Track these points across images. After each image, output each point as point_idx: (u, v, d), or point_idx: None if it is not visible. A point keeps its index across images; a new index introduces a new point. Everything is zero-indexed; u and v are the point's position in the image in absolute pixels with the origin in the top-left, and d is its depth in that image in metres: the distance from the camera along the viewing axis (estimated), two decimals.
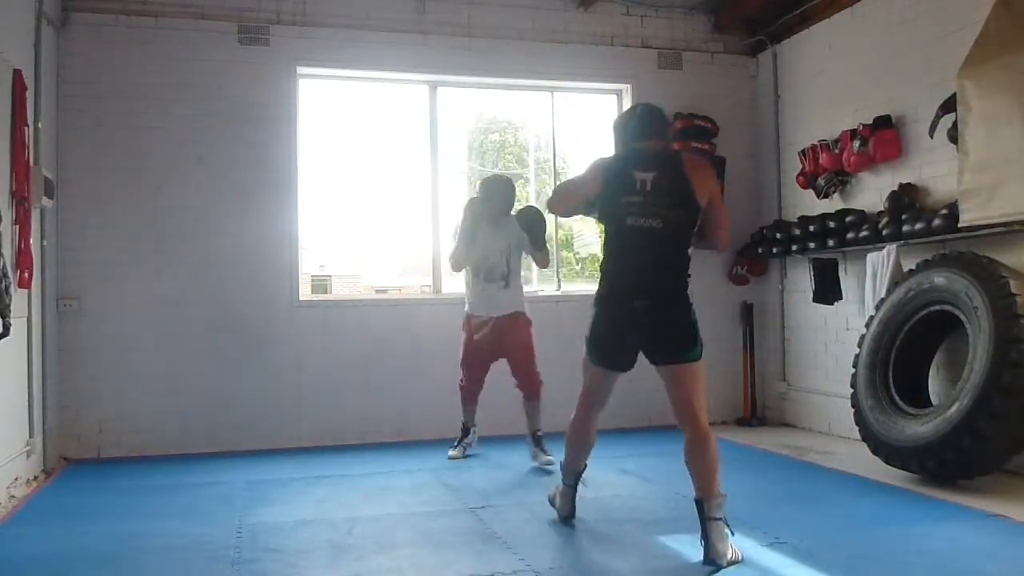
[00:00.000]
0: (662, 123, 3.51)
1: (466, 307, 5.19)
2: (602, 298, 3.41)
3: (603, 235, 3.48)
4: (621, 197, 3.30)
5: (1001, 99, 4.30)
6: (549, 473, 4.79)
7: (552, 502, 3.88)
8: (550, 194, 3.79)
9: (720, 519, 3.14)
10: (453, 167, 6.67)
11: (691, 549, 3.35)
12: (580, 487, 3.84)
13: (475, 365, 5.13)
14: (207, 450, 5.52)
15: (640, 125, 3.41)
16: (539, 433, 5.04)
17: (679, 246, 3.32)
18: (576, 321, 6.32)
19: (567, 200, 3.59)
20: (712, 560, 3.10)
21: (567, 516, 3.78)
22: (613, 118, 3.77)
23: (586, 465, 3.77)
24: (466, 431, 5.33)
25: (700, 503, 3.17)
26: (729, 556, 3.12)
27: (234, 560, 3.31)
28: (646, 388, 6.42)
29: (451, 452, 5.26)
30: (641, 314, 3.29)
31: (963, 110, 4.49)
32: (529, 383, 5.02)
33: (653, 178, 3.26)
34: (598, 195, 3.40)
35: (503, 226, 4.98)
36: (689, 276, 3.35)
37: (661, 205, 3.25)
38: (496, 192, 5.06)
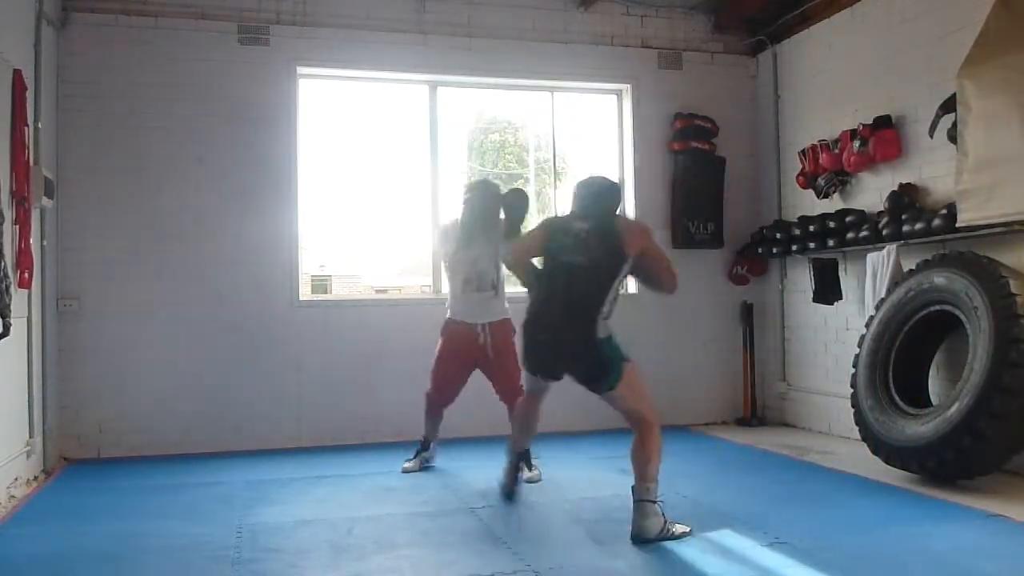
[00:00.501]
0: (613, 202, 3.89)
1: (449, 314, 4.92)
2: (524, 323, 3.84)
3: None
4: (560, 239, 3.75)
5: (1001, 99, 4.30)
6: (548, 475, 4.80)
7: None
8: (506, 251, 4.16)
9: (646, 500, 3.51)
10: (453, 167, 6.67)
11: (691, 549, 3.36)
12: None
13: (453, 377, 4.86)
14: (207, 450, 5.52)
15: (594, 203, 3.83)
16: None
17: (599, 286, 3.63)
18: None
19: (520, 252, 3.97)
20: (635, 535, 3.48)
21: (507, 492, 4.16)
22: (578, 179, 4.04)
23: (529, 449, 4.22)
24: (426, 445, 5.02)
25: (633, 487, 3.57)
26: (657, 533, 3.48)
27: (234, 560, 3.31)
28: None
29: (406, 464, 4.93)
30: (544, 347, 3.74)
31: (963, 110, 4.49)
32: (516, 392, 4.58)
33: (589, 227, 3.71)
34: (545, 244, 3.83)
35: (492, 232, 4.72)
36: (605, 321, 3.64)
37: (591, 247, 3.66)
38: (489, 198, 4.81)
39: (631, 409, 3.68)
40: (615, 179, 4.19)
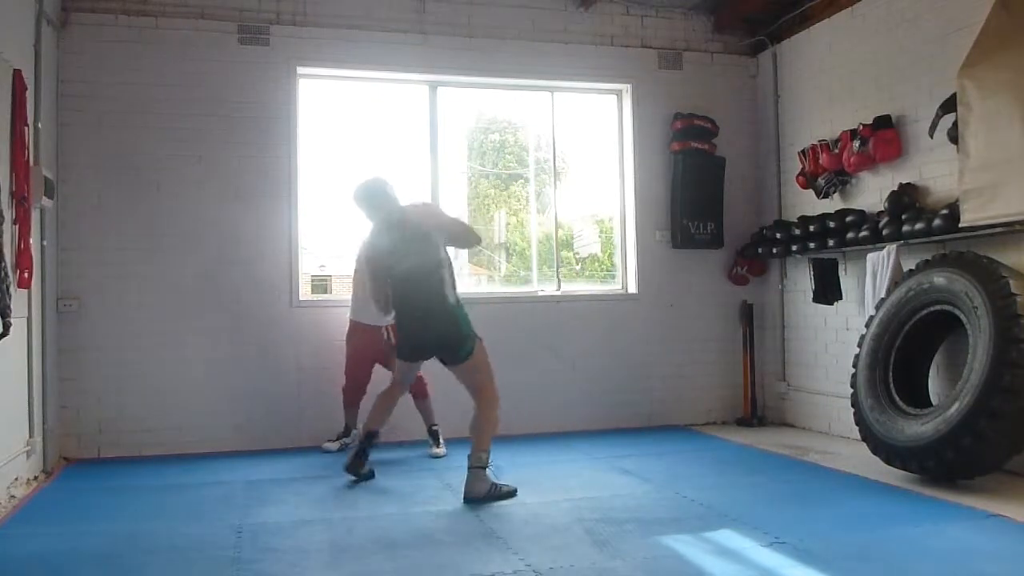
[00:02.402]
0: (388, 199, 4.43)
1: (349, 314, 5.52)
2: (395, 323, 4.53)
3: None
4: (387, 261, 4.38)
5: (1002, 99, 4.30)
6: (548, 475, 4.80)
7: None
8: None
9: (478, 467, 4.16)
10: (453, 167, 6.67)
11: (691, 549, 3.36)
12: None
13: (364, 373, 5.47)
14: (207, 450, 5.52)
15: (380, 209, 4.42)
16: (434, 427, 5.46)
17: (432, 271, 4.28)
18: (575, 321, 6.36)
19: (374, 290, 4.50)
20: (466, 497, 4.13)
21: (347, 468, 4.54)
22: (353, 190, 4.50)
23: (378, 433, 4.62)
24: (348, 431, 5.59)
25: (469, 455, 4.21)
26: (485, 493, 4.11)
27: (234, 560, 3.31)
28: (645, 389, 6.48)
29: (328, 444, 5.54)
30: (416, 332, 4.37)
31: (964, 110, 4.49)
32: (419, 384, 5.32)
33: (394, 236, 4.35)
34: (381, 265, 4.41)
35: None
36: (452, 289, 4.31)
37: (409, 250, 4.29)
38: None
39: (479, 383, 4.31)
40: (376, 175, 4.57)
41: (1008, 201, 4.25)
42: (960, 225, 4.52)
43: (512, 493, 4.21)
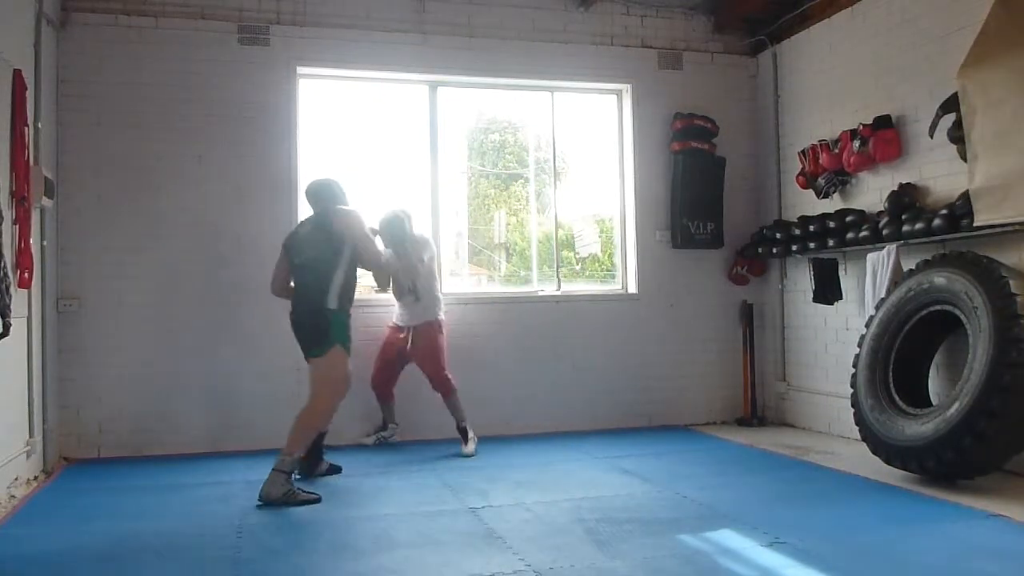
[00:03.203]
0: (329, 199, 4.64)
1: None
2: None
3: None
4: (291, 248, 4.62)
5: (1006, 99, 4.29)
6: (549, 475, 4.80)
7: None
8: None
9: (279, 470, 4.19)
10: (453, 167, 6.67)
11: (691, 549, 3.36)
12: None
13: (389, 369, 5.64)
14: (207, 450, 5.52)
15: (315, 204, 4.68)
16: (463, 425, 5.48)
17: (324, 271, 4.42)
18: (575, 321, 6.36)
19: (274, 270, 4.73)
20: (260, 498, 4.16)
21: (312, 470, 4.73)
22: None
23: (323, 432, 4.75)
24: (384, 425, 5.77)
25: (279, 451, 4.29)
26: (279, 497, 4.13)
27: (234, 560, 3.31)
28: (645, 389, 6.48)
29: (364, 439, 5.71)
30: (293, 324, 4.56)
31: (967, 111, 4.49)
32: (445, 382, 5.47)
33: (306, 230, 4.61)
34: (288, 250, 4.63)
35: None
36: (338, 296, 4.42)
37: (312, 245, 4.49)
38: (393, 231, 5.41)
39: (317, 387, 4.44)
40: (332, 178, 4.80)
41: (1018, 202, 4.24)
42: (975, 225, 4.48)
43: (313, 501, 4.19)
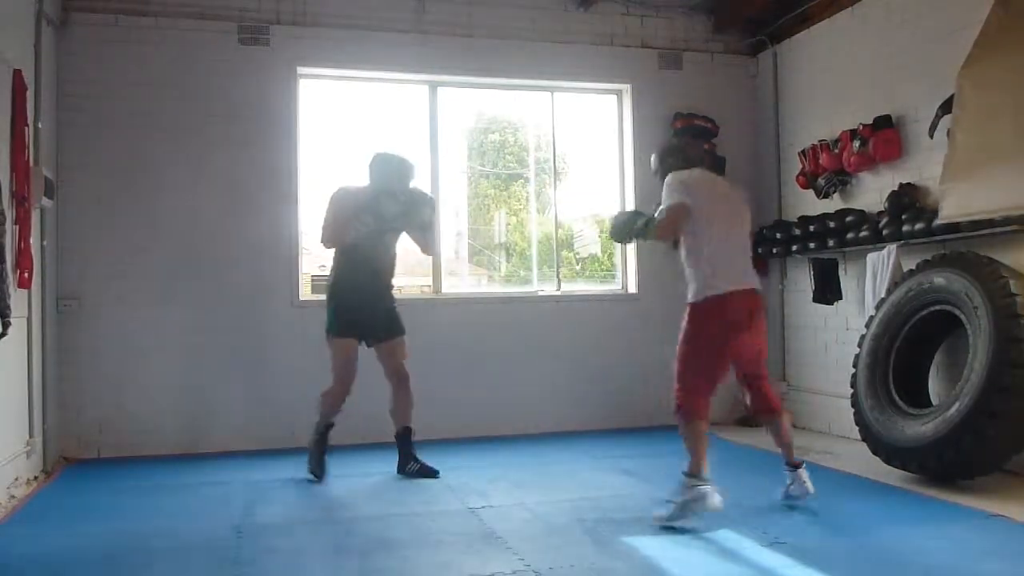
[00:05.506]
0: (409, 179, 4.79)
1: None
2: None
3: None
4: (377, 216, 4.71)
5: (996, 97, 4.29)
6: (549, 475, 4.80)
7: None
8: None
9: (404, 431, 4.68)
10: (453, 167, 6.67)
11: (691, 549, 3.36)
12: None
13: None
14: (207, 450, 5.52)
15: (398, 178, 4.75)
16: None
17: (393, 254, 4.84)
18: (575, 321, 6.36)
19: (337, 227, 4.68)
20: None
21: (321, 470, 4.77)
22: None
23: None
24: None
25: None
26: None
27: (234, 560, 3.31)
28: (645, 389, 6.47)
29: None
30: (359, 303, 4.75)
31: (958, 109, 4.49)
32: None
33: (398, 209, 4.77)
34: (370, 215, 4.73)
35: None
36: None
37: (394, 226, 4.78)
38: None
39: (405, 359, 4.78)
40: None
41: (989, 196, 4.23)
42: (938, 221, 4.54)
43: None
